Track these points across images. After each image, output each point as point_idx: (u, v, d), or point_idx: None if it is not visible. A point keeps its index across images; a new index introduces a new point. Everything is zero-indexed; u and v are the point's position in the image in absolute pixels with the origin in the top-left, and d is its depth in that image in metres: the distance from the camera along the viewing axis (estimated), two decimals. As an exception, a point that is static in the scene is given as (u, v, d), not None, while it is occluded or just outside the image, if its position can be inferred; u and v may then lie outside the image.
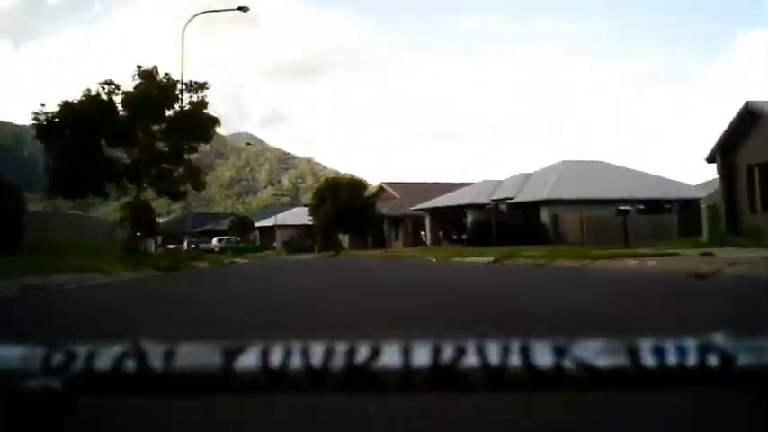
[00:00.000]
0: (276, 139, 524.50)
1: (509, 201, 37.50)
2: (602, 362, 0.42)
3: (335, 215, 49.02)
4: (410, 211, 48.41)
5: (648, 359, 0.42)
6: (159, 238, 67.53)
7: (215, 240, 61.58)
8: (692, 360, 0.41)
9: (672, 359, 0.42)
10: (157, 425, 2.36)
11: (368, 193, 55.55)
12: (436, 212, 44.69)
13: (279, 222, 68.02)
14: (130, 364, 0.43)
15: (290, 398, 0.49)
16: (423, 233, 46.83)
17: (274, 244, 64.58)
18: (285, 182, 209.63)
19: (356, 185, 54.40)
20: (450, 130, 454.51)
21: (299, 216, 63.30)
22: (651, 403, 2.31)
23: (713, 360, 0.41)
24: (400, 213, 51.51)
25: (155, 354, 0.43)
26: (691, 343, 0.42)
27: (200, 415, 2.43)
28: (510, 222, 34.07)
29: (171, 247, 61.96)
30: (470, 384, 0.42)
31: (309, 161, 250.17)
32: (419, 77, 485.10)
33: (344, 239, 54.11)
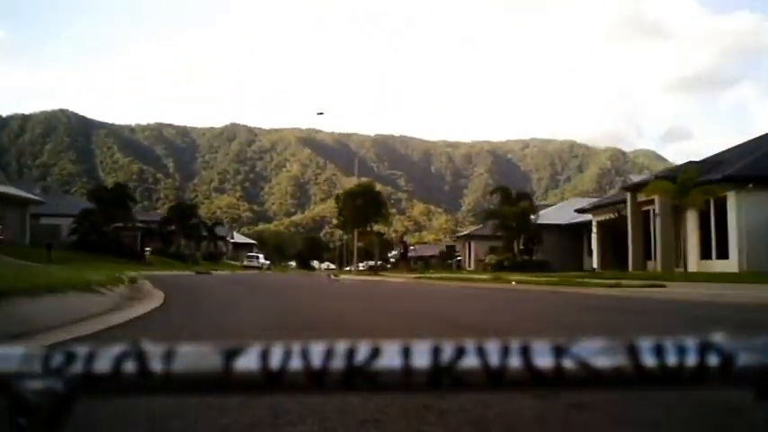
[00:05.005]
0: (679, 156, 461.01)
1: None
2: (601, 362, 0.42)
3: None
4: None
5: (648, 359, 0.42)
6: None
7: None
8: (691, 360, 0.41)
9: (672, 359, 0.41)
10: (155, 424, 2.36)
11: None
12: None
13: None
14: (130, 365, 0.42)
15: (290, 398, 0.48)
16: None
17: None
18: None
19: None
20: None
21: None
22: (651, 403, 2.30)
23: (713, 360, 0.41)
24: None
25: (154, 354, 0.43)
26: (691, 343, 0.42)
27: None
28: None
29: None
30: (470, 384, 0.42)
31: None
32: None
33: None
